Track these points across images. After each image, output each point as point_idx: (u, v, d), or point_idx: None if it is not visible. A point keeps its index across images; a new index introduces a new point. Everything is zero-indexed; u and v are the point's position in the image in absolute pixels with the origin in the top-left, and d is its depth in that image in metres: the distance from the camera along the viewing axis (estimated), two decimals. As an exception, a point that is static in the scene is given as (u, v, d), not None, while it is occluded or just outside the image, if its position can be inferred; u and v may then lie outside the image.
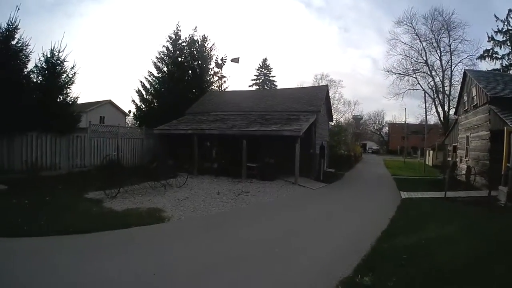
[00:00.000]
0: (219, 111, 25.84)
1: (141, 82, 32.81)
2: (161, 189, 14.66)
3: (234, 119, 22.99)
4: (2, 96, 13.85)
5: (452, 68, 45.70)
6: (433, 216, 11.42)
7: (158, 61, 33.57)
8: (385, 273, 5.99)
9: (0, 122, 13.84)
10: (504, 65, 43.88)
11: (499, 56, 44.34)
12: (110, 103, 49.27)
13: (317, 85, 55.17)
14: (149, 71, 33.16)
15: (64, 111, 16.98)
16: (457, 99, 28.79)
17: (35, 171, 15.14)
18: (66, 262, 6.25)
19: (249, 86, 70.21)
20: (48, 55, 16.84)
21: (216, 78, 37.32)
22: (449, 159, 29.22)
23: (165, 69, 33.38)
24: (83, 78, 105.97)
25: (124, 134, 21.53)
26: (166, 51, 33.75)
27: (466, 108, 23.31)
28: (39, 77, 16.82)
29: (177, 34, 34.21)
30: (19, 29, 15.34)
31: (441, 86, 46.61)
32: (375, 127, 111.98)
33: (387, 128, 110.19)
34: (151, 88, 32.73)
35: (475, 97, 20.92)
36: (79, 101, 19.70)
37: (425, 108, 44.09)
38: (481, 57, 44.91)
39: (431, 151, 45.99)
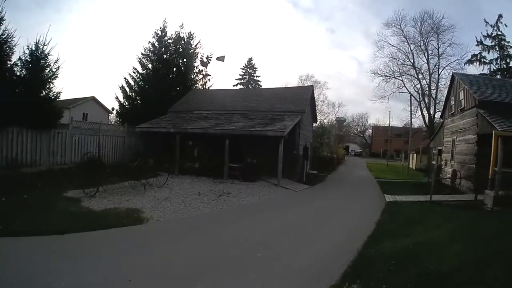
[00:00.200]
0: (203, 109, 25.42)
1: (125, 78, 32.49)
2: (141, 188, 14.22)
3: (217, 118, 22.60)
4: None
5: (440, 71, 46.40)
6: (419, 220, 11.25)
7: (143, 58, 33.20)
8: (374, 280, 5.81)
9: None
10: (492, 70, 44.33)
11: (487, 61, 45.11)
12: (93, 100, 48.52)
13: (301, 85, 54.92)
14: (133, 68, 32.92)
15: (46, 106, 16.43)
16: (443, 102, 28.75)
17: (15, 167, 14.65)
18: (40, 265, 5.95)
19: (234, 85, 70.90)
20: (33, 48, 16.34)
21: (201, 76, 37.21)
22: (434, 162, 29.12)
23: (150, 66, 32.99)
24: (68, 74, 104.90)
25: (106, 132, 21.00)
26: (151, 48, 33.38)
27: (453, 111, 23.21)
28: (23, 71, 16.28)
29: (163, 30, 33.94)
30: (4, 20, 14.86)
31: (427, 89, 46.80)
32: (359, 129, 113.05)
33: (370, 130, 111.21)
34: (135, 85, 32.37)
35: (462, 100, 20.83)
36: (62, 97, 19.26)
37: (411, 111, 44.30)
38: (469, 62, 45.68)
39: (415, 154, 46.03)
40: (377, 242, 8.29)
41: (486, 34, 45.03)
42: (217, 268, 6.34)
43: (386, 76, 50.34)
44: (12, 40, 15.14)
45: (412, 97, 46.07)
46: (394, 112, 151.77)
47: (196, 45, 35.58)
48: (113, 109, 41.52)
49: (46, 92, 16.75)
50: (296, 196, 16.37)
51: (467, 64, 46.09)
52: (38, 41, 16.41)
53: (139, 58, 33.07)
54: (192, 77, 35.82)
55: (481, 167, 16.17)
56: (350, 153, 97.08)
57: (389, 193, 17.68)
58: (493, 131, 14.82)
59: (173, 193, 14.20)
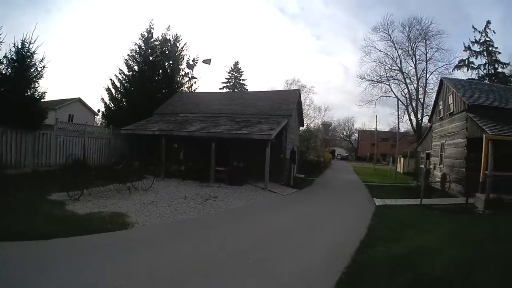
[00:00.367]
0: (188, 112, 25.09)
1: (111, 80, 31.95)
2: (126, 192, 13.85)
3: (203, 121, 22.27)
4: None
5: (427, 76, 46.55)
6: (411, 224, 11.19)
7: (130, 59, 32.70)
8: (369, 286, 5.76)
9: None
10: (480, 75, 44.77)
11: (475, 66, 45.74)
12: (79, 101, 47.78)
13: (288, 89, 54.84)
14: (119, 69, 32.34)
15: (31, 106, 16.04)
16: (432, 106, 28.77)
17: (-1, 169, 14.25)
18: (20, 272, 5.61)
19: (220, 88, 70.78)
20: (19, 46, 15.98)
21: (187, 79, 36.74)
22: (422, 166, 29.13)
23: (136, 67, 32.54)
24: (55, 75, 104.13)
25: (91, 133, 20.70)
26: (137, 49, 32.91)
27: (442, 115, 23.24)
28: (8, 69, 15.90)
29: (150, 32, 33.50)
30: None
31: (415, 93, 46.85)
32: (345, 133, 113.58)
33: (356, 135, 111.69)
34: (121, 87, 31.86)
35: (451, 104, 20.88)
36: (48, 98, 18.94)
37: (398, 115, 44.42)
38: (457, 67, 46.43)
39: (402, 158, 46.09)
40: (369, 247, 8.05)
41: (474, 40, 46.02)
42: (204, 273, 6.05)
43: (373, 80, 50.46)
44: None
45: (399, 101, 46.21)
46: (380, 116, 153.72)
47: (182, 47, 35.26)
48: (99, 110, 41.00)
49: (31, 91, 16.44)
50: (284, 200, 16.05)
51: (455, 69, 46.70)
52: (25, 39, 16.12)
53: (125, 60, 32.62)
54: (178, 79, 35.43)
55: (471, 171, 16.26)
56: (337, 157, 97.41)
57: (378, 197, 17.59)
58: (484, 135, 14.82)
59: (158, 196, 13.79)
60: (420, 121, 46.09)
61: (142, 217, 10.19)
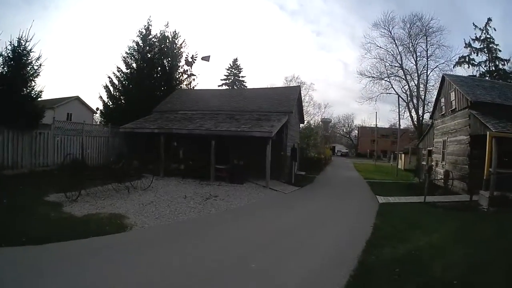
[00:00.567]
0: (188, 110, 24.89)
1: (109, 77, 31.68)
2: (125, 192, 13.64)
3: (202, 119, 22.09)
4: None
5: (428, 73, 46.09)
6: (416, 222, 11.04)
7: (128, 57, 32.38)
8: None
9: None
10: (481, 72, 44.74)
11: (476, 63, 45.78)
12: (78, 99, 47.56)
13: (288, 86, 54.63)
14: (117, 67, 32.06)
15: (28, 105, 15.88)
16: (433, 103, 28.52)
17: (-4, 169, 14.03)
18: (13, 280, 5.37)
19: (219, 85, 70.70)
20: (15, 45, 15.82)
21: (186, 76, 36.54)
22: (424, 163, 28.93)
23: (134, 65, 32.27)
24: (53, 73, 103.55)
25: (89, 132, 20.51)
26: (136, 47, 32.59)
27: (443, 112, 23.04)
28: (4, 68, 15.76)
29: (148, 29, 33.19)
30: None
31: (415, 90, 46.57)
32: (344, 130, 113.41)
33: (356, 131, 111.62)
34: (119, 85, 31.63)
35: (453, 101, 20.70)
36: (47, 97, 18.83)
37: (399, 112, 44.28)
38: (458, 63, 46.39)
39: (403, 155, 45.92)
40: (376, 248, 7.87)
41: (474, 37, 46.11)
42: (206, 280, 5.79)
43: (373, 77, 50.03)
44: (-7, 36, 14.54)
45: (400, 98, 46.05)
46: (380, 113, 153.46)
47: (181, 44, 35.06)
48: (97, 109, 40.74)
49: (28, 90, 16.33)
50: (286, 198, 15.89)
51: (456, 66, 46.55)
52: (21, 37, 16.00)
53: (123, 57, 32.31)
54: (177, 76, 35.28)
55: (475, 168, 16.14)
56: (337, 154, 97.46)
57: (381, 194, 17.44)
58: (487, 132, 14.67)
59: (158, 196, 13.53)
60: (421, 118, 45.83)
61: (141, 218, 9.95)
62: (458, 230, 9.89)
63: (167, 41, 33.87)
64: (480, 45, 45.64)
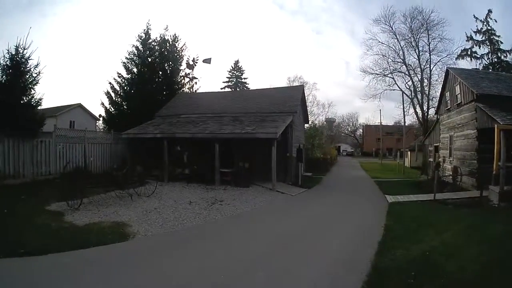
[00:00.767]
0: (190, 113, 24.72)
1: (110, 83, 31.78)
2: (128, 198, 13.40)
3: (206, 122, 21.87)
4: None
5: (431, 67, 45.78)
6: (427, 221, 10.83)
7: (128, 62, 32.50)
8: None
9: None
10: (484, 64, 44.50)
11: (478, 56, 45.53)
12: (80, 107, 47.51)
13: (291, 86, 54.40)
14: (118, 72, 32.20)
15: (28, 113, 15.71)
16: (438, 98, 28.28)
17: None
18: None
19: (221, 88, 70.12)
20: (13, 53, 15.72)
21: (187, 79, 36.46)
22: (431, 159, 28.69)
23: (134, 70, 32.34)
24: (54, 81, 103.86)
25: (91, 139, 20.31)
26: (136, 51, 32.71)
27: (449, 107, 22.78)
28: (3, 76, 15.66)
29: (147, 33, 33.29)
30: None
31: (419, 85, 46.27)
32: (349, 129, 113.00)
33: (361, 130, 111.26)
34: (120, 90, 31.68)
35: (459, 95, 20.44)
36: (49, 105, 18.77)
37: (403, 108, 43.89)
38: (460, 56, 46.06)
39: (409, 152, 45.61)
40: (389, 249, 7.64)
41: (476, 30, 45.58)
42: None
43: (376, 74, 49.72)
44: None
45: (404, 94, 45.65)
46: (385, 110, 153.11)
47: (181, 47, 34.97)
48: (100, 116, 40.70)
49: (28, 98, 16.22)
50: (294, 201, 15.61)
51: (458, 59, 46.10)
52: (18, 44, 15.89)
53: (124, 62, 32.36)
54: (179, 80, 35.19)
55: (483, 163, 15.98)
56: (342, 153, 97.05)
57: (389, 193, 17.25)
58: (495, 125, 14.49)
59: (162, 202, 13.31)
60: (426, 114, 45.44)
61: (144, 226, 9.69)
62: (470, 227, 9.75)
63: (167, 45, 33.80)
64: (481, 37, 45.26)
